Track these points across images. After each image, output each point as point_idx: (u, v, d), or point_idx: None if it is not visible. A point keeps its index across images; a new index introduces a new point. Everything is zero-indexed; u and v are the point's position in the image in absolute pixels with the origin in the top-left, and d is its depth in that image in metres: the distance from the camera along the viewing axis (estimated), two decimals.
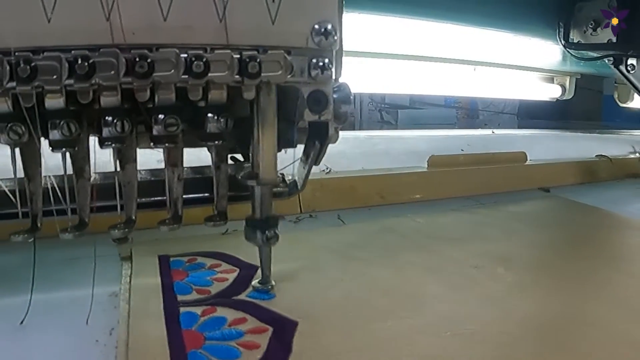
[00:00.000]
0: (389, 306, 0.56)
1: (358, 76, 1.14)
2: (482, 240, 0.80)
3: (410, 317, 0.54)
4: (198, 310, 0.53)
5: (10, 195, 0.50)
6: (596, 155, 1.43)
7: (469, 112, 4.99)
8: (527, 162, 1.24)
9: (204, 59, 0.44)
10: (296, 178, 0.60)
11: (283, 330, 0.50)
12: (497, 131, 1.93)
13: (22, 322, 0.51)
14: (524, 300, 0.59)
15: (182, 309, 0.53)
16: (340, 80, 0.53)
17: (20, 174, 0.49)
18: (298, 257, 0.69)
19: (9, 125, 0.44)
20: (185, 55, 0.44)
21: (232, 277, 0.62)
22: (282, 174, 0.61)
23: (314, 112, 0.50)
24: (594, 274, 0.69)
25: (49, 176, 0.51)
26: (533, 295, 0.61)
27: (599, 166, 1.38)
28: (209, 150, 0.55)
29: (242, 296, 0.57)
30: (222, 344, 0.47)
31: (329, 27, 0.48)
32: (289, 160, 0.60)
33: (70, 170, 0.50)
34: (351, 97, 0.53)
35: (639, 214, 1.00)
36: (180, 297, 0.56)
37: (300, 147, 0.58)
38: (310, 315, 0.53)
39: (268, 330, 0.50)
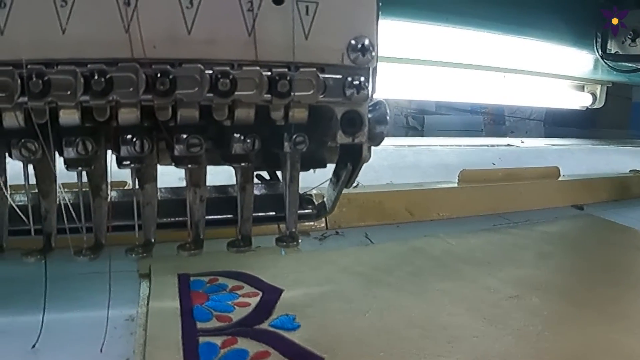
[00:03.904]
0: (421, 341, 0.52)
1: (385, 81, 1.12)
2: (516, 265, 0.76)
3: (445, 355, 0.50)
4: (218, 341, 0.50)
5: (21, 215, 0.48)
6: (630, 171, 1.40)
7: (495, 119, 4.95)
8: (560, 178, 1.20)
9: (231, 77, 0.41)
10: (325, 199, 0.57)
11: None
12: (526, 140, 1.89)
13: (34, 346, 0.49)
14: (562, 336, 0.55)
15: (201, 339, 0.50)
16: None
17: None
18: (324, 280, 0.66)
19: (22, 141, 0.41)
20: (211, 71, 0.41)
21: (254, 301, 0.59)
22: (310, 195, 0.58)
23: (347, 134, 0.47)
24: (635, 305, 0.65)
25: (62, 190, 0.48)
26: (571, 330, 0.57)
27: (633, 182, 1.33)
28: (234, 169, 0.51)
29: (265, 325, 0.54)
30: None
31: (366, 42, 0.45)
32: (318, 179, 0.58)
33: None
34: (387, 117, 0.50)
35: None
36: (199, 325, 0.53)
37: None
38: (337, 351, 0.49)
39: None
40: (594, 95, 1.56)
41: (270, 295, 0.60)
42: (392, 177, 1.05)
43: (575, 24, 1.25)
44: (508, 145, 1.69)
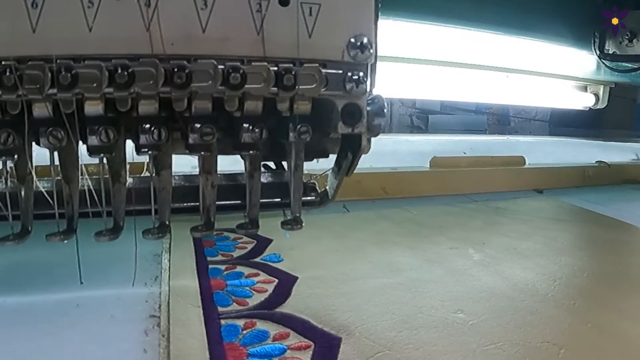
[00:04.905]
0: (370, 270, 0.71)
1: (390, 81, 1.14)
2: (464, 229, 0.90)
3: (386, 277, 0.69)
4: (222, 267, 0.69)
5: (48, 197, 0.51)
6: (596, 161, 1.45)
7: (500, 119, 4.93)
8: (525, 166, 1.27)
9: (241, 71, 0.45)
10: (327, 188, 0.61)
11: (286, 282, 0.65)
12: (511, 137, 1.94)
13: (81, 282, 0.61)
14: (485, 271, 0.71)
15: (210, 266, 0.69)
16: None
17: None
18: (306, 234, 0.77)
19: (49, 129, 0.44)
20: (223, 66, 0.44)
21: (250, 246, 0.77)
22: (314, 183, 0.62)
23: (347, 125, 0.50)
24: (559, 257, 0.78)
25: (85, 176, 0.52)
26: (493, 268, 0.73)
27: (595, 171, 1.40)
28: (242, 158, 0.55)
29: (258, 259, 0.73)
30: (239, 289, 0.62)
31: (365, 40, 0.48)
32: (320, 169, 0.64)
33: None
34: (385, 110, 0.53)
35: (611, 212, 1.07)
36: (209, 259, 0.72)
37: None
38: (307, 274, 0.68)
39: (274, 281, 0.65)
40: (596, 95, 1.55)
41: (263, 242, 0.80)
42: (372, 162, 1.10)
43: (573, 24, 1.26)
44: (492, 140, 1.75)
